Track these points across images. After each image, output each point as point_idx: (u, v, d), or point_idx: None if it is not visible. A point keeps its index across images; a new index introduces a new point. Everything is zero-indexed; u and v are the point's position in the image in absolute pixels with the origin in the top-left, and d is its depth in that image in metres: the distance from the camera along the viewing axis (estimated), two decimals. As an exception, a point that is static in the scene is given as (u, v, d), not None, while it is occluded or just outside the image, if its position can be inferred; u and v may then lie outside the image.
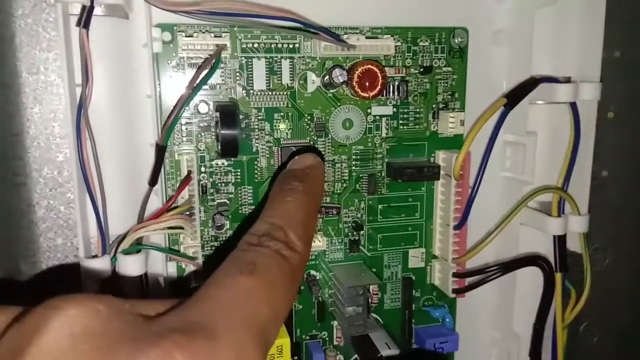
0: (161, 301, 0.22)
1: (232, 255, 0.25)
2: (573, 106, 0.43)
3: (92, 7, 0.33)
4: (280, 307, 0.24)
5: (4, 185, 0.37)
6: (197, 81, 0.37)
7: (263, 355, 0.21)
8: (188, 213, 0.38)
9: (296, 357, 0.43)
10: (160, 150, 0.36)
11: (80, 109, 0.34)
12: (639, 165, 0.51)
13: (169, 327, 0.19)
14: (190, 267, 0.40)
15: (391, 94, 0.43)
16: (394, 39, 0.42)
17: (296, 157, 0.36)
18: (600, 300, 0.52)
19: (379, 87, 0.41)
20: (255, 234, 0.27)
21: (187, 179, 0.38)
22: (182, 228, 0.38)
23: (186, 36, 0.38)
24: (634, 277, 0.53)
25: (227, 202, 0.42)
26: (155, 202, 0.38)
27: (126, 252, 0.35)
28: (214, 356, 0.19)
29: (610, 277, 0.52)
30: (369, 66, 0.40)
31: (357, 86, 0.41)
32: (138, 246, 0.36)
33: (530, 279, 0.46)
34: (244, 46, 0.40)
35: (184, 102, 0.36)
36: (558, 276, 0.45)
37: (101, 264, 0.35)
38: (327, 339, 0.46)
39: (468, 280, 0.45)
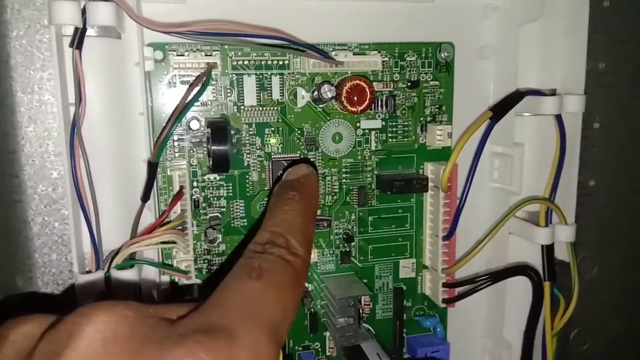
0: (180, 305, 0.24)
1: (239, 262, 0.27)
2: (558, 118, 0.44)
3: (84, 29, 0.34)
4: (289, 307, 0.26)
5: (0, 202, 0.38)
6: (189, 98, 0.38)
7: (277, 350, 0.23)
8: (180, 228, 0.39)
9: (288, 368, 0.44)
10: (152, 167, 0.37)
11: (74, 128, 0.35)
12: (626, 174, 0.51)
13: (191, 329, 0.21)
14: (183, 281, 0.41)
15: (379, 108, 0.44)
16: (382, 55, 0.43)
17: (290, 169, 0.37)
18: (590, 308, 0.53)
19: (367, 101, 0.42)
20: (258, 243, 0.29)
21: (179, 194, 0.39)
22: (175, 242, 0.38)
23: (177, 55, 0.39)
24: (623, 285, 0.54)
25: (219, 215, 0.42)
26: (149, 217, 0.38)
27: (120, 267, 0.36)
28: (234, 353, 0.21)
29: (599, 285, 0.53)
30: (357, 81, 0.41)
31: (345, 101, 0.41)
32: (131, 261, 0.37)
33: (520, 288, 0.47)
34: (235, 63, 0.41)
35: (175, 119, 0.37)
36: (546, 285, 0.46)
37: (95, 279, 0.36)
38: (319, 349, 0.47)
39: (458, 290, 0.46)
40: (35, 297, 0.40)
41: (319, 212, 0.45)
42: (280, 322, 0.24)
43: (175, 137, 0.41)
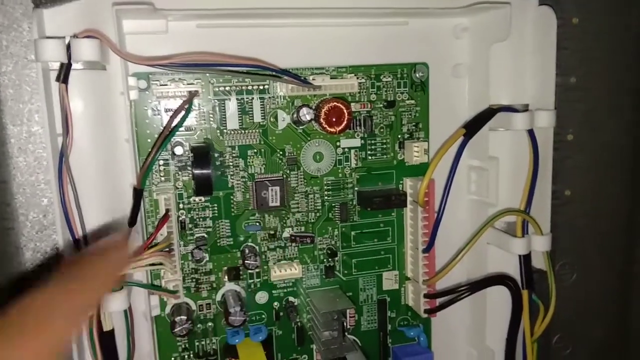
0: None
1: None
2: (530, 133, 0.46)
3: (69, 65, 0.35)
4: None
5: (-7, 229, 0.40)
6: (172, 126, 0.40)
7: None
8: (167, 249, 0.41)
9: (275, 382, 0.45)
10: (138, 193, 0.38)
11: (62, 157, 0.37)
12: (600, 183, 0.53)
13: None
14: (171, 301, 0.42)
15: (358, 127, 0.46)
16: (358, 77, 0.45)
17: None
18: (570, 314, 0.54)
19: (345, 122, 0.43)
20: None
21: (165, 217, 0.41)
22: (162, 264, 0.40)
23: (161, 84, 0.41)
24: (602, 290, 0.55)
25: (206, 235, 0.44)
26: (136, 241, 0.40)
27: (109, 290, 0.38)
28: None
29: (578, 291, 0.54)
30: (335, 103, 0.43)
31: (324, 122, 0.43)
32: (121, 283, 0.38)
33: (500, 297, 0.49)
34: (216, 89, 0.43)
35: (159, 147, 0.38)
36: (524, 293, 0.47)
37: (86, 302, 0.37)
38: (307, 362, 0.48)
39: (439, 301, 0.48)
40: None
41: (302, 228, 0.46)
42: None
43: (161, 162, 0.42)
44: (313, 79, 0.43)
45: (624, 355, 0.58)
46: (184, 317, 0.42)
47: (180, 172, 0.43)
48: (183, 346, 0.45)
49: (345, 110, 0.43)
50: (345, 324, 0.45)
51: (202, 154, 0.41)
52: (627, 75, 0.52)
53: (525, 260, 0.47)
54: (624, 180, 0.54)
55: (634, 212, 0.55)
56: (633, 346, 0.58)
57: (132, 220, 0.38)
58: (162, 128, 0.41)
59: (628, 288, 0.57)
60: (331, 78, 0.44)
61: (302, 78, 0.43)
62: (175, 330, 0.42)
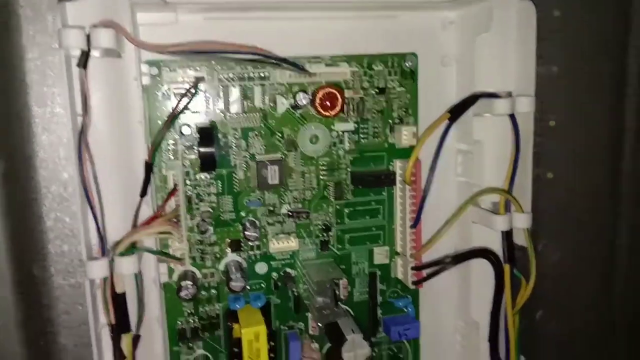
0: None
1: None
2: (512, 117, 0.49)
3: (89, 51, 0.39)
4: None
5: (18, 200, 0.44)
6: (180, 108, 0.44)
7: None
8: (175, 220, 0.45)
9: (272, 343, 0.49)
10: (148, 167, 0.42)
11: (81, 135, 0.41)
12: (581, 166, 0.56)
13: None
14: (178, 268, 0.47)
15: (351, 112, 0.50)
16: (351, 65, 0.49)
17: None
18: (553, 291, 0.57)
19: (339, 107, 0.47)
20: None
21: (173, 191, 0.45)
22: (171, 233, 0.44)
23: (170, 70, 0.45)
24: (583, 267, 0.59)
25: (210, 210, 0.48)
26: (147, 211, 0.44)
27: (122, 254, 0.42)
28: None
29: (561, 268, 0.58)
30: (329, 89, 0.47)
31: (320, 107, 0.47)
32: (132, 249, 0.42)
33: (484, 272, 0.52)
34: (221, 76, 0.47)
35: (167, 125, 0.43)
36: (506, 267, 0.51)
37: (101, 265, 0.41)
38: (303, 329, 0.52)
39: (426, 272, 0.51)
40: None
41: (300, 205, 0.50)
42: None
43: (170, 142, 0.46)
44: (310, 67, 0.47)
45: (608, 331, 0.61)
46: (189, 282, 0.46)
47: (187, 152, 0.47)
48: (189, 311, 0.49)
49: (339, 96, 0.47)
50: (337, 293, 0.48)
51: (206, 133, 0.45)
52: (606, 64, 0.55)
53: (507, 236, 0.50)
54: (604, 162, 0.57)
55: (614, 194, 0.58)
56: (616, 323, 0.61)
57: (144, 192, 0.43)
58: (171, 110, 0.45)
59: (609, 267, 0.60)
60: (326, 66, 0.48)
61: (300, 66, 0.47)
62: (181, 294, 0.46)
